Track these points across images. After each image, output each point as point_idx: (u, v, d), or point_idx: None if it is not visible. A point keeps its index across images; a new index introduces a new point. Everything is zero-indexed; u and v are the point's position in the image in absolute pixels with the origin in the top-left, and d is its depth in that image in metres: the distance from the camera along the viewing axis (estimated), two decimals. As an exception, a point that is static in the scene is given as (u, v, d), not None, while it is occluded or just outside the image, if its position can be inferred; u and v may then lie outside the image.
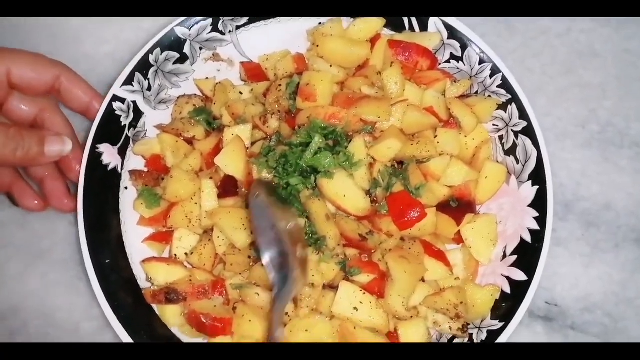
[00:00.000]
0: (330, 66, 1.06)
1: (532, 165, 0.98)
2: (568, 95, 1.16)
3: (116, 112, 1.03)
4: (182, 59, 1.08)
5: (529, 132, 0.99)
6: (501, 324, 0.91)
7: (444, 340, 0.95)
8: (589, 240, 1.07)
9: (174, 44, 1.07)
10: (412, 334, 0.93)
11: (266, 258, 0.88)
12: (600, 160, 1.12)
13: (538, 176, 0.97)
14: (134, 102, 1.05)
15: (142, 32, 1.20)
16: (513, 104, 1.01)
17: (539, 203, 0.96)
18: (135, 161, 1.05)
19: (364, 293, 0.92)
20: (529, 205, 0.97)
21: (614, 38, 1.19)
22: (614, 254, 1.07)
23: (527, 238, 0.96)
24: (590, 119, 1.15)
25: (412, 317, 0.94)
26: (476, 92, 1.05)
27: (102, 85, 1.09)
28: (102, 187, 1.00)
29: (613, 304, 1.05)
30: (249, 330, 0.91)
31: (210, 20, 1.08)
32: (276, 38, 1.11)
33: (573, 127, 1.14)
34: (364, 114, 0.99)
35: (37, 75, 0.98)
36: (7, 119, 1.01)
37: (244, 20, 1.10)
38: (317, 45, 1.05)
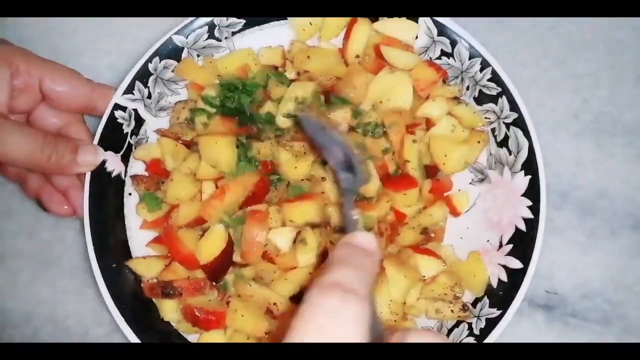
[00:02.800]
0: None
1: (523, 155, 1.00)
2: (561, 87, 1.18)
3: (118, 120, 1.06)
4: (181, 66, 1.12)
5: (519, 123, 1.01)
6: (499, 312, 0.93)
7: (444, 330, 0.97)
8: (585, 228, 1.09)
9: (172, 52, 1.10)
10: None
11: (335, 157, 0.93)
12: (594, 149, 1.14)
13: (530, 166, 0.99)
14: (135, 110, 1.08)
15: (142, 42, 1.22)
16: (504, 97, 1.03)
17: (532, 192, 0.98)
18: (137, 167, 1.09)
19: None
20: (523, 195, 0.99)
21: (605, 27, 1.20)
22: (611, 241, 1.09)
23: (522, 227, 0.98)
24: (583, 109, 1.16)
25: (395, 321, 0.96)
26: (467, 87, 1.08)
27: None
28: (107, 193, 1.03)
29: (612, 290, 1.06)
30: (242, 324, 0.94)
31: (206, 28, 1.11)
32: (271, 42, 1.14)
33: (566, 118, 1.16)
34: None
35: (71, 90, 1.01)
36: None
37: (239, 26, 1.13)
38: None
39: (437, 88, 1.05)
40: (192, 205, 1.01)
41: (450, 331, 0.96)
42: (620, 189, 1.08)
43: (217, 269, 1.00)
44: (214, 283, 1.00)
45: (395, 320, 0.96)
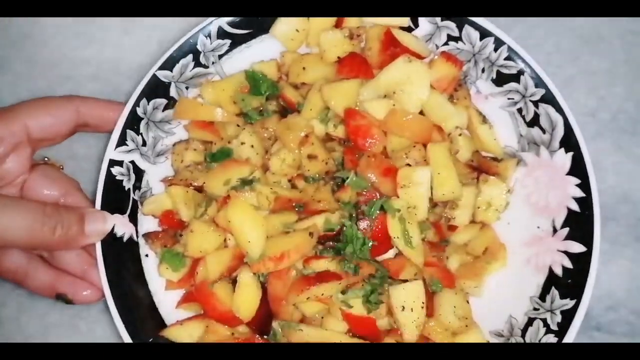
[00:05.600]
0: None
1: (560, 131, 0.95)
2: (575, 84, 1.10)
3: (117, 178, 0.95)
4: (171, 103, 1.01)
5: (549, 99, 0.95)
6: (573, 302, 0.88)
7: (517, 331, 0.91)
8: (608, 235, 1.01)
9: (159, 90, 0.99)
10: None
11: None
12: (613, 150, 1.07)
13: (569, 142, 0.94)
14: (132, 162, 0.97)
15: (123, 49, 1.14)
16: (526, 74, 0.97)
17: (578, 169, 0.93)
18: (148, 224, 0.98)
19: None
20: (568, 174, 0.94)
21: (619, 20, 1.13)
22: (635, 248, 1.02)
23: (575, 207, 0.92)
24: (600, 107, 1.09)
25: (466, 325, 0.90)
26: (482, 70, 1.01)
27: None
28: (123, 261, 0.93)
29: (637, 300, 1.01)
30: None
31: (190, 57, 1.01)
32: (262, 58, 1.04)
33: (583, 117, 1.07)
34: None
35: (56, 120, 0.91)
36: None
37: (225, 47, 1.03)
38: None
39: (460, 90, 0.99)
40: (219, 255, 0.92)
41: (524, 331, 0.91)
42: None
43: (262, 322, 0.92)
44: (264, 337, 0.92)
45: (466, 326, 0.90)
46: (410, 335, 0.87)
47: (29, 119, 0.89)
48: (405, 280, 0.89)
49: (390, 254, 0.95)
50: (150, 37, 1.14)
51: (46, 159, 1.00)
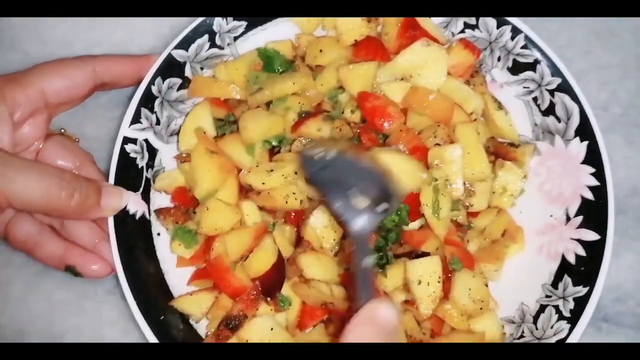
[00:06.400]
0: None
1: (575, 120, 0.95)
2: (587, 78, 1.10)
3: (130, 155, 0.94)
4: (185, 83, 1.00)
5: (564, 88, 0.96)
6: (586, 289, 0.88)
7: (529, 318, 0.91)
8: (617, 228, 0.97)
9: (174, 69, 0.99)
10: (487, 327, 0.90)
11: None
12: (624, 144, 1.07)
13: (585, 131, 0.94)
14: (146, 140, 0.97)
15: (134, 30, 1.14)
16: (542, 63, 0.97)
17: (593, 158, 0.93)
18: (160, 201, 0.97)
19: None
20: (582, 162, 0.94)
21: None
22: None
23: (589, 196, 0.93)
24: (611, 102, 1.09)
25: (481, 308, 0.90)
26: (499, 58, 1.01)
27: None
28: (135, 239, 0.92)
29: None
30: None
31: (206, 37, 1.00)
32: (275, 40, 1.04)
33: (594, 111, 1.03)
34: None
35: (73, 82, 0.90)
36: None
37: (241, 29, 1.03)
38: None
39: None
40: (240, 236, 0.91)
41: (536, 318, 0.91)
42: None
43: (270, 284, 0.91)
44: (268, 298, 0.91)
45: (481, 309, 0.90)
46: (425, 309, 0.86)
47: (45, 83, 0.88)
48: (427, 254, 0.88)
49: (416, 224, 0.94)
50: (162, 20, 1.13)
51: (63, 130, 0.99)
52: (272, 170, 0.93)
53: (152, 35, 1.13)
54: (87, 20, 1.14)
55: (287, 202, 0.91)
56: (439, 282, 0.87)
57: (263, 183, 0.92)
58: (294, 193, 0.92)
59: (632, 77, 1.11)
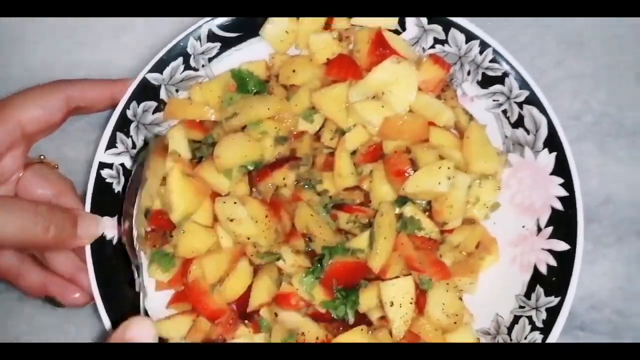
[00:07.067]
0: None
1: (544, 132, 0.97)
2: (560, 88, 1.12)
3: (107, 181, 0.96)
4: (161, 106, 1.02)
5: (533, 100, 0.97)
6: (557, 299, 0.90)
7: (503, 329, 0.93)
8: (591, 236, 1.03)
9: (148, 92, 1.00)
10: (462, 340, 0.92)
11: None
12: (597, 153, 1.09)
13: (553, 142, 0.96)
14: (122, 165, 0.98)
15: (114, 53, 1.15)
16: (510, 76, 0.99)
17: (561, 168, 0.95)
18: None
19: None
20: (551, 174, 0.96)
21: (602, 24, 1.15)
22: (618, 248, 1.04)
23: (558, 206, 0.94)
24: (584, 111, 1.10)
25: (455, 322, 0.91)
26: (468, 72, 1.03)
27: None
28: (113, 265, 0.93)
29: (620, 300, 1.02)
30: None
31: (180, 60, 1.02)
32: (249, 60, 1.06)
33: (567, 121, 1.08)
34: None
35: (47, 110, 0.90)
36: None
37: (215, 50, 1.04)
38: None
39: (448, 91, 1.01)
40: (217, 259, 0.92)
41: (510, 329, 0.92)
42: (625, 194, 1.00)
43: (247, 307, 0.93)
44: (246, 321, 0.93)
45: (455, 323, 0.91)
46: (397, 330, 0.88)
47: (21, 114, 0.88)
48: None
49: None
50: (141, 41, 1.15)
51: (42, 157, 1.00)
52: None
53: (131, 55, 1.14)
54: (68, 42, 1.15)
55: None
56: (411, 303, 0.88)
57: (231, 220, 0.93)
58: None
59: (604, 86, 1.13)
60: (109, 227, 0.93)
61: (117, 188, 0.97)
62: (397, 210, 0.96)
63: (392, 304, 0.88)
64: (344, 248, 0.91)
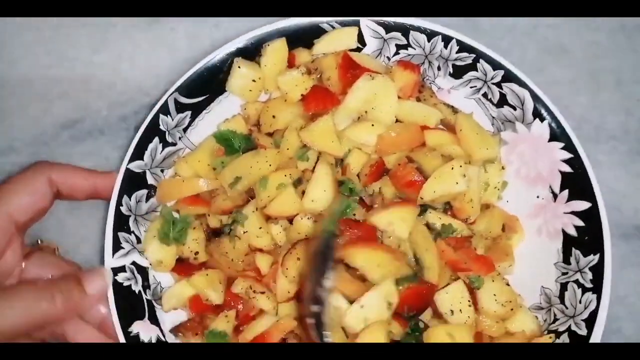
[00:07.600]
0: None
1: (529, 104, 0.99)
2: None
3: (124, 285, 0.90)
4: (152, 192, 0.97)
5: (510, 77, 1.00)
6: (597, 256, 0.92)
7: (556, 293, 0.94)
8: None
9: (135, 181, 0.95)
10: (523, 323, 0.93)
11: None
12: None
13: (541, 111, 0.98)
14: (134, 263, 0.93)
15: (93, 68, 1.13)
16: (481, 60, 1.01)
17: (558, 132, 0.97)
18: (171, 318, 0.94)
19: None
20: (550, 140, 0.98)
21: (582, 31, 1.18)
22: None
23: (567, 169, 0.97)
24: (565, 117, 1.05)
25: (512, 309, 0.92)
26: (439, 67, 1.04)
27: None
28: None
29: None
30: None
31: (157, 139, 0.97)
32: (224, 118, 1.03)
33: None
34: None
35: (34, 197, 0.87)
36: None
37: (187, 120, 1.01)
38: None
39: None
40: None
41: (562, 297, 0.94)
42: (607, 197, 0.98)
43: None
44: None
45: (512, 309, 0.91)
46: (466, 335, 0.87)
47: (10, 206, 0.85)
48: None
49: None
50: (120, 55, 1.13)
51: (39, 241, 0.96)
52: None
53: (110, 71, 1.12)
54: (46, 58, 1.13)
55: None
56: (469, 305, 0.88)
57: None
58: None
59: (584, 92, 1.15)
60: (142, 330, 0.88)
61: (137, 288, 0.92)
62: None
63: (452, 313, 0.87)
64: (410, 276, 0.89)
